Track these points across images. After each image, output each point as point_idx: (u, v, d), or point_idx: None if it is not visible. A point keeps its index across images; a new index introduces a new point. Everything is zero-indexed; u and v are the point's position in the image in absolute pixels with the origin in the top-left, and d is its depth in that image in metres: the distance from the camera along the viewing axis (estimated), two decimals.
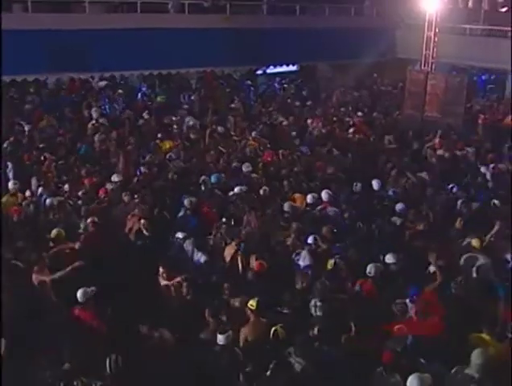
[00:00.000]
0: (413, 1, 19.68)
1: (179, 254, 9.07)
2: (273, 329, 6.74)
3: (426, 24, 17.21)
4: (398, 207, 10.45)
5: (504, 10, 17.10)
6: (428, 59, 17.21)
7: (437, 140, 14.87)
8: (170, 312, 7.77)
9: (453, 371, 6.20)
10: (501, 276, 8.41)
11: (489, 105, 19.78)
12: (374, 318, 7.18)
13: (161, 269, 8.19)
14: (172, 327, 7.10)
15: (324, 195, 10.67)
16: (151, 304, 7.77)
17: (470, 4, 17.32)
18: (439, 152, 14.44)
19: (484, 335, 6.76)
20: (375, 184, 11.52)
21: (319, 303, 7.26)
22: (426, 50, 17.26)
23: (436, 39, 17.02)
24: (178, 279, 8.01)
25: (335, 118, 17.36)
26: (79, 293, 7.28)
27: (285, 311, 7.45)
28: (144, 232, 9.21)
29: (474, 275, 8.45)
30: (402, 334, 6.63)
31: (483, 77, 25.46)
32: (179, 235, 9.16)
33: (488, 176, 12.55)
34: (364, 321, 7.03)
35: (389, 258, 8.53)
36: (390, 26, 24.69)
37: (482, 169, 12.91)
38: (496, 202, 10.57)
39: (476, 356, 6.11)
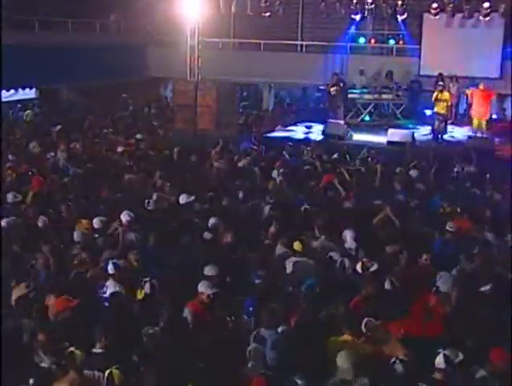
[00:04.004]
0: (165, 15, 19.72)
1: None
2: (107, 372, 5.76)
3: (188, 35, 17.22)
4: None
5: (267, 14, 17.77)
6: (194, 70, 17.17)
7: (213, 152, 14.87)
8: None
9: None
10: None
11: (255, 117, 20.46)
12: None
13: None
14: None
15: (125, 216, 9.75)
16: None
17: (233, 9, 17.68)
18: (216, 164, 14.39)
19: (345, 337, 6.50)
20: (183, 198, 10.94)
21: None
22: (190, 60, 17.22)
23: (200, 47, 17.08)
24: None
25: (97, 140, 16.57)
26: None
27: (99, 351, 6.40)
28: None
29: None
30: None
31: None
32: None
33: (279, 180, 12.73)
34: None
35: (208, 270, 7.93)
36: (140, 43, 24.37)
37: (273, 174, 13.10)
38: (307, 206, 10.61)
39: (343, 359, 5.85)
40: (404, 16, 17.63)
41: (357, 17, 18.57)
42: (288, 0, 19.24)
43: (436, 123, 17.86)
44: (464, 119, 20.73)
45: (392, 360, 5.97)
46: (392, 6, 17.24)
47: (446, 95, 18.04)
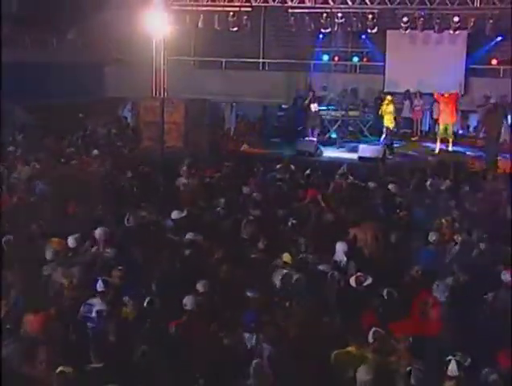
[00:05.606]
0: (126, 33, 19.46)
1: None
2: None
3: (154, 51, 17.03)
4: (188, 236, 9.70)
5: (235, 29, 17.78)
6: (160, 86, 16.95)
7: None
8: None
9: None
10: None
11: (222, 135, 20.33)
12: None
13: None
14: None
15: (99, 233, 9.42)
16: None
17: (200, 24, 17.64)
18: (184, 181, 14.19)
19: (350, 349, 6.34)
20: (175, 214, 10.67)
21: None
22: (156, 75, 17.02)
23: (166, 61, 16.92)
24: None
25: (63, 160, 16.18)
26: None
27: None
28: None
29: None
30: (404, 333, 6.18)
31: None
32: None
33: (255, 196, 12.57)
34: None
35: (199, 286, 7.77)
36: (98, 62, 23.94)
37: (244, 190, 13.01)
38: (294, 221, 10.45)
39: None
40: (374, 30, 17.83)
41: (327, 31, 18.68)
42: (255, 15, 19.19)
43: (383, 135, 18.85)
44: (428, 136, 21.10)
45: (408, 370, 5.81)
46: (362, 21, 17.37)
47: (390, 107, 18.90)
